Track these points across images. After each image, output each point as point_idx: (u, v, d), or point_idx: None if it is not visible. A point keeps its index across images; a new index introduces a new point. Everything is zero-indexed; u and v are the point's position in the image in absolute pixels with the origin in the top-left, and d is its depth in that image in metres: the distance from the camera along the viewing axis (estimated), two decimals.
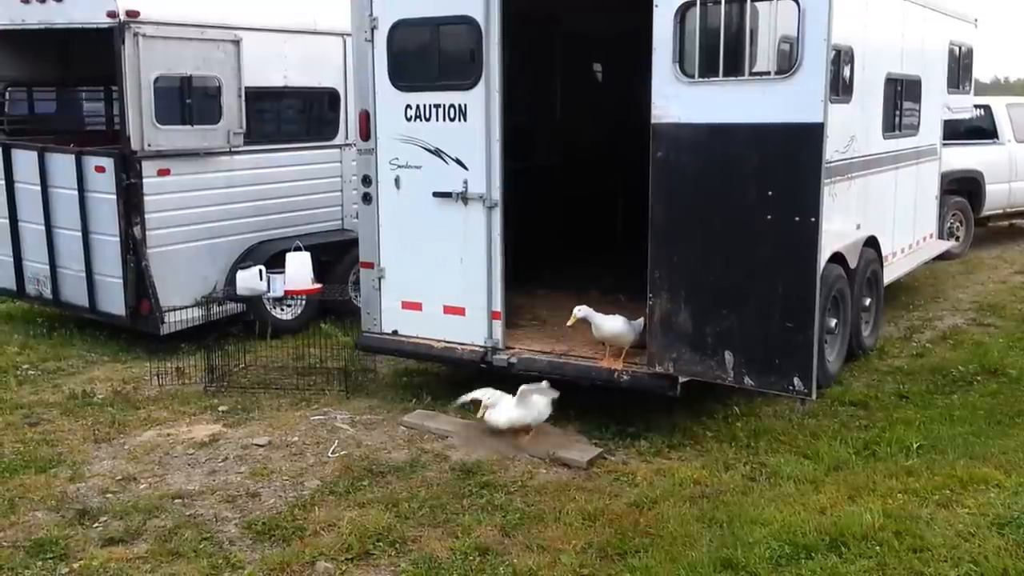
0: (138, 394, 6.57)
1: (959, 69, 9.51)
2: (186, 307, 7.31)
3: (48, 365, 7.24)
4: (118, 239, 7.15)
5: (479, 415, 5.43)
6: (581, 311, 5.70)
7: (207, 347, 6.84)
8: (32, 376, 6.99)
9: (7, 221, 7.92)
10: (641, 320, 5.70)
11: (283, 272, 6.77)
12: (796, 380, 4.95)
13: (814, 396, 5.08)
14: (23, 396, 6.51)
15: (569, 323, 5.73)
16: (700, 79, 5.04)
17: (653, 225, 5.24)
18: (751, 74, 4.98)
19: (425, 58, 6.07)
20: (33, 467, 5.22)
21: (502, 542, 4.34)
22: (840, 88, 6.20)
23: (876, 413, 5.99)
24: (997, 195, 12.05)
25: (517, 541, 4.34)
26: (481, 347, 6.01)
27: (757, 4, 4.96)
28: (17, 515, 4.64)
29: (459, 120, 5.87)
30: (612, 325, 5.69)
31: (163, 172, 7.19)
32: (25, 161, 7.69)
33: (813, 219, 4.79)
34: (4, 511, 4.68)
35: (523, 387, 5.37)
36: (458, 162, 5.93)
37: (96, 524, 4.56)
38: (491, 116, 5.76)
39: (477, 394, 5.46)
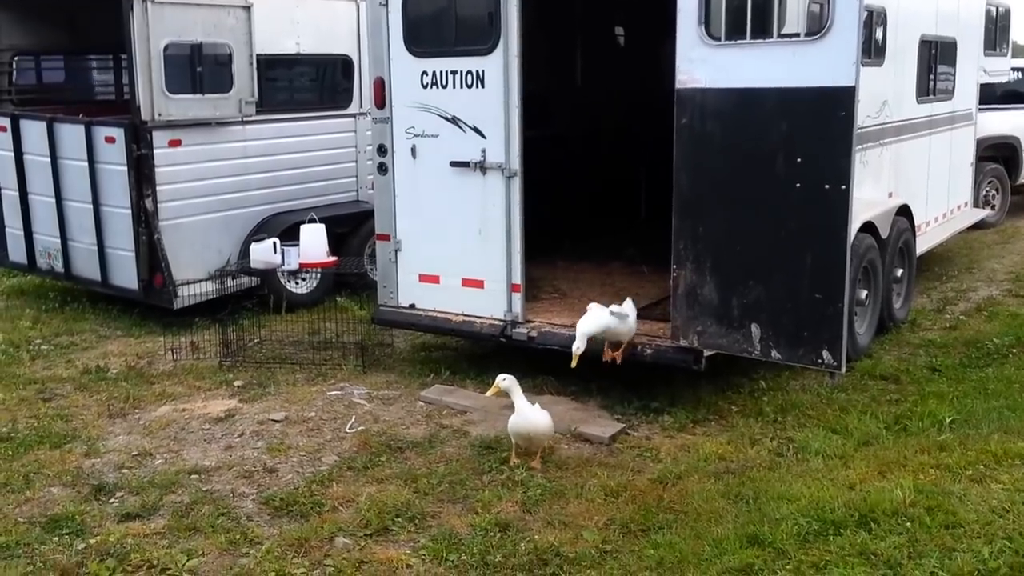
0: (152, 369, 6.52)
1: (996, 31, 9.31)
2: (199, 280, 7.24)
3: (61, 340, 7.19)
4: (129, 211, 7.06)
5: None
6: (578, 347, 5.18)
7: (221, 321, 6.77)
8: (45, 351, 6.94)
9: (16, 193, 7.85)
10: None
11: (297, 245, 6.68)
12: (825, 353, 4.83)
13: (843, 369, 4.96)
14: (36, 371, 6.47)
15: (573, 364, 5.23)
16: (727, 41, 4.88)
17: (677, 194, 5.10)
18: (780, 36, 4.82)
19: (441, 23, 5.93)
20: (48, 442, 5.18)
21: (523, 518, 4.27)
22: (872, 51, 6.04)
23: (907, 387, 5.86)
24: None
25: (538, 517, 4.27)
26: (500, 320, 5.91)
27: None
28: (33, 491, 4.60)
29: (477, 87, 5.73)
30: (589, 323, 5.23)
31: (174, 143, 7.08)
32: (34, 132, 7.60)
33: (844, 187, 4.64)
34: (20, 487, 4.64)
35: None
36: (476, 130, 5.78)
37: (112, 499, 4.53)
38: (510, 82, 5.61)
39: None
